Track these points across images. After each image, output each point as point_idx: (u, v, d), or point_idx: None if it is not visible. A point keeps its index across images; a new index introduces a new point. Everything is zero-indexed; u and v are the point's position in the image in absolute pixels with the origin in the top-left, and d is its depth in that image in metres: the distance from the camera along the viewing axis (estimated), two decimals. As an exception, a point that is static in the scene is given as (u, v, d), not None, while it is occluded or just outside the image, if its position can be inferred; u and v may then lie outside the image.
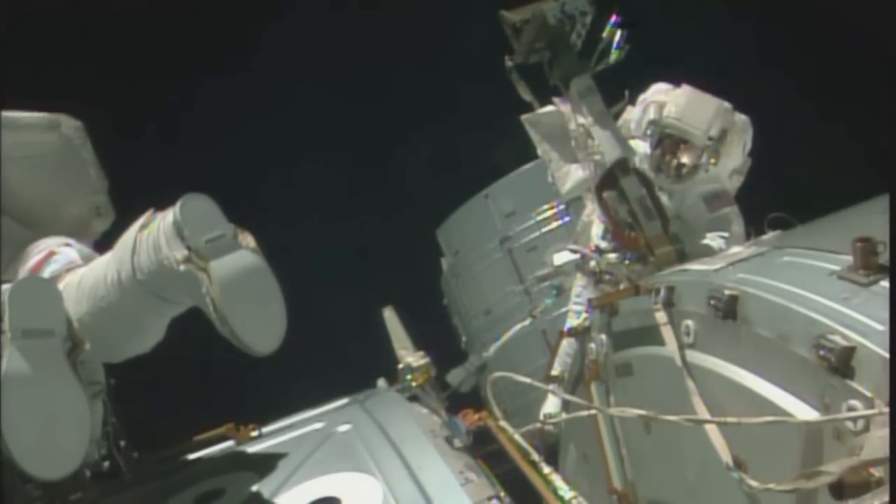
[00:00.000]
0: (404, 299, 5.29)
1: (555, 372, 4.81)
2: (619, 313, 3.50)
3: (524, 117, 4.92)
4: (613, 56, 4.24)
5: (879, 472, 1.90)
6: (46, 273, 3.22)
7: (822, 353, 2.17)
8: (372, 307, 5.24)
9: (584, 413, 3.52)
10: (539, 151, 5.06)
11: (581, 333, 3.90)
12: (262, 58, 10.33)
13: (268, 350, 2.87)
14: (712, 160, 4.98)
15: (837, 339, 2.14)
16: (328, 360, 8.70)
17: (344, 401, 4.05)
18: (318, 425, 3.74)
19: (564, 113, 4.53)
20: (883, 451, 1.89)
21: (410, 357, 4.25)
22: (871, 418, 2.01)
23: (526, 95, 4.58)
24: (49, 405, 2.71)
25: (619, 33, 4.22)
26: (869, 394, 2.05)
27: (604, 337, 3.62)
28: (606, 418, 3.59)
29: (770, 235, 3.49)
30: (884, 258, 2.28)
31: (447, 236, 7.73)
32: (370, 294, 6.05)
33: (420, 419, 3.57)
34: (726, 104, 5.02)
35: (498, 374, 3.88)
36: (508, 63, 4.41)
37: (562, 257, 5.03)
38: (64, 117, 3.69)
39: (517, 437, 3.31)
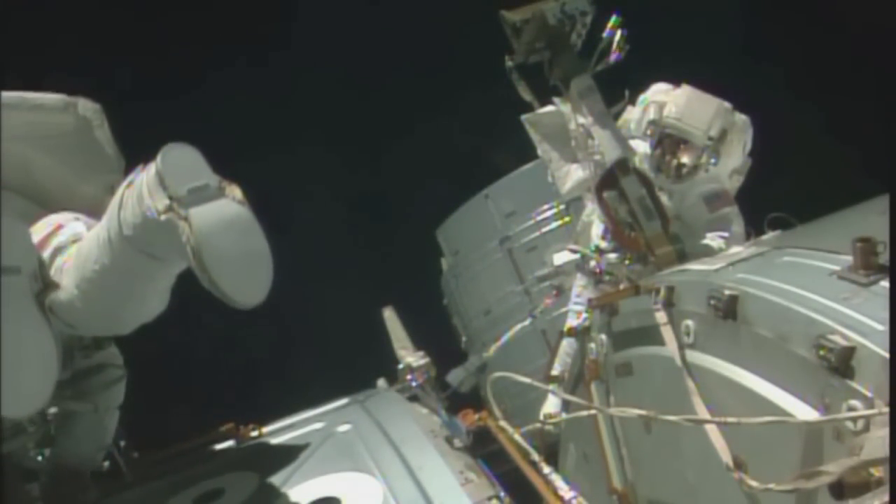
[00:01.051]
0: (404, 299, 5.29)
1: (555, 372, 4.81)
2: (619, 313, 3.50)
3: (524, 117, 4.92)
4: (613, 56, 4.24)
5: (879, 472, 1.90)
6: (53, 245, 3.15)
7: (822, 353, 2.17)
8: (372, 307, 5.24)
9: (584, 413, 3.52)
10: (539, 151, 5.06)
11: (581, 333, 3.90)
12: (266, 54, 10.34)
13: (251, 302, 2.73)
14: (712, 160, 4.99)
15: (837, 339, 2.14)
16: (328, 360, 8.70)
17: (344, 401, 4.06)
18: (318, 425, 3.75)
19: (564, 113, 4.53)
20: (883, 451, 1.89)
21: (410, 357, 4.26)
22: (871, 418, 2.01)
23: (526, 95, 4.57)
24: (12, 343, 2.65)
25: (619, 33, 4.22)
26: (869, 394, 2.05)
27: (604, 337, 3.62)
28: (606, 418, 3.59)
29: (770, 235, 3.50)
30: (884, 258, 2.28)
31: (447, 236, 7.73)
32: (370, 294, 6.05)
33: (420, 419, 3.57)
34: (726, 104, 5.01)
35: (498, 374, 3.88)
36: (508, 63, 4.40)
37: (562, 257, 5.04)
38: (81, 99, 3.65)
39: (517, 437, 3.31)
